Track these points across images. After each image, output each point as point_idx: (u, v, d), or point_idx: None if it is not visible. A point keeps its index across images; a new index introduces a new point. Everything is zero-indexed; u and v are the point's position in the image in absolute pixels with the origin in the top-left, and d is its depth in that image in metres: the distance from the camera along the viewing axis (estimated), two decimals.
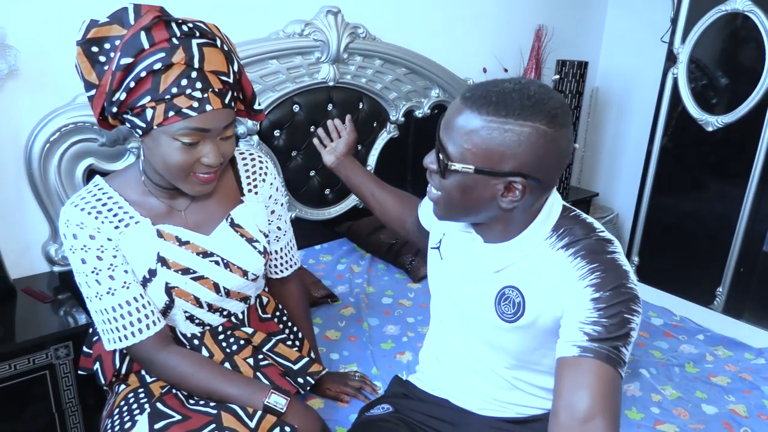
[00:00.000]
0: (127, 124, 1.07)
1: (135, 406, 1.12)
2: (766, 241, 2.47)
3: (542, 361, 1.08)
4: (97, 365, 1.23)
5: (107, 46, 1.03)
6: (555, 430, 0.87)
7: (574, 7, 3.13)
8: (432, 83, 2.51)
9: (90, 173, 1.74)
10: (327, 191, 2.35)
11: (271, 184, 1.32)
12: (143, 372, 1.22)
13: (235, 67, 1.08)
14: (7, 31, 1.51)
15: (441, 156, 0.94)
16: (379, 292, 2.04)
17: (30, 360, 1.48)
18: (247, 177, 1.29)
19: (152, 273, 1.14)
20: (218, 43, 1.05)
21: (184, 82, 0.99)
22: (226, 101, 1.05)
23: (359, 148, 2.38)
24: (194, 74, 1.00)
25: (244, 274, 1.23)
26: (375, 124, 2.40)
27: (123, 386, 1.21)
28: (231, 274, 1.21)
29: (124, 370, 1.22)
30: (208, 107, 1.01)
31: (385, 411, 1.23)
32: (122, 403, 1.15)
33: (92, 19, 1.04)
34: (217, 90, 1.03)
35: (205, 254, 1.18)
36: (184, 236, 1.17)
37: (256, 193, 1.29)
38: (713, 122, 2.51)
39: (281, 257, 1.40)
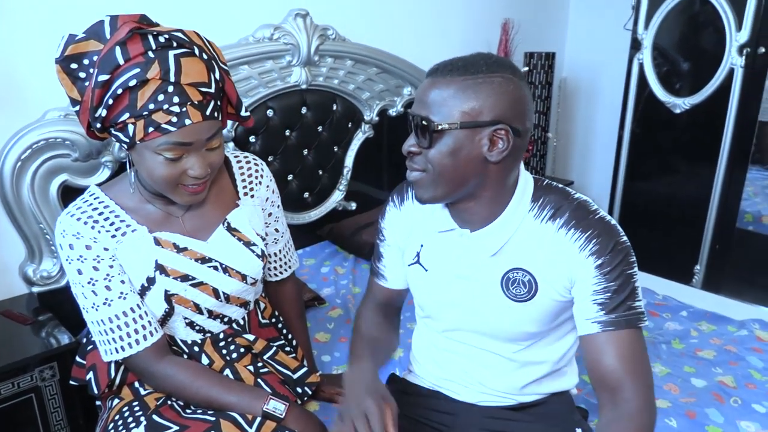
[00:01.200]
0: (114, 139, 1.06)
1: (130, 419, 1.10)
2: (738, 218, 2.54)
3: (555, 333, 1.10)
4: (90, 375, 1.20)
5: (86, 62, 1.02)
6: (603, 413, 0.97)
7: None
8: (404, 81, 2.52)
9: (65, 189, 1.71)
10: (306, 194, 2.33)
11: (267, 186, 1.31)
12: (137, 384, 1.20)
13: (217, 75, 1.05)
14: None
15: (425, 123, 0.96)
16: (365, 291, 2.02)
17: (14, 384, 1.44)
18: (243, 180, 1.28)
19: (151, 281, 1.13)
20: (197, 51, 1.02)
21: (160, 97, 0.98)
22: (207, 113, 1.02)
23: (336, 149, 2.38)
24: (171, 88, 0.98)
25: (243, 278, 1.22)
26: (350, 125, 2.40)
27: (116, 400, 1.18)
28: (230, 279, 1.20)
29: (118, 381, 1.19)
30: (188, 121, 1.00)
31: None
32: (117, 417, 1.12)
33: (70, 35, 1.03)
34: (196, 102, 1.00)
35: (204, 260, 1.17)
36: (182, 243, 1.16)
37: (252, 196, 1.28)
38: (680, 104, 2.57)
39: (280, 259, 1.39)
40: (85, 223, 1.09)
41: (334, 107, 2.32)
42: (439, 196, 1.02)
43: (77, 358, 1.27)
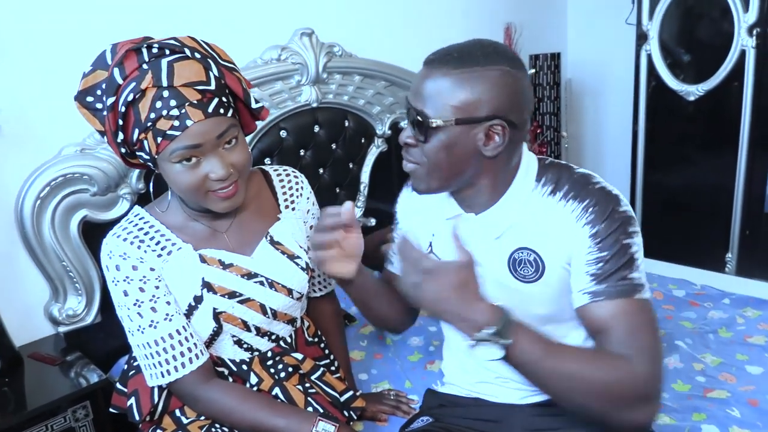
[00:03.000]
0: (141, 160, 1.06)
1: None
2: (766, 202, 2.48)
3: (571, 319, 1.04)
4: (132, 400, 1.17)
5: (98, 92, 1.03)
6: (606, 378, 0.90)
7: (536, 1, 3.16)
8: None
9: (85, 225, 1.68)
10: None
11: (308, 198, 1.30)
12: (178, 413, 1.16)
13: (215, 72, 1.03)
14: None
15: (420, 119, 0.95)
16: None
17: (47, 426, 1.41)
18: (284, 193, 1.26)
19: (198, 299, 1.11)
20: (189, 53, 1.01)
21: (158, 104, 0.97)
22: (210, 110, 1.00)
23: (351, 166, 2.35)
24: (166, 93, 0.97)
25: (289, 292, 1.19)
26: (363, 140, 2.37)
27: (159, 431, 1.14)
28: (276, 294, 1.17)
29: (160, 407, 1.16)
30: (189, 122, 0.98)
31: (426, 422, 1.19)
32: None
33: (84, 72, 1.05)
34: (195, 102, 0.98)
35: (250, 275, 1.15)
36: (227, 259, 1.14)
37: (293, 209, 1.26)
38: (694, 91, 2.54)
39: (320, 274, 1.37)
40: (131, 243, 1.08)
41: (346, 123, 2.30)
42: (434, 188, 1.02)
43: (118, 385, 1.24)
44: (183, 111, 0.97)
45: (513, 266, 1.02)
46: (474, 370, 1.17)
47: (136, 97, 0.97)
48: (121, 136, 1.01)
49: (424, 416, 1.22)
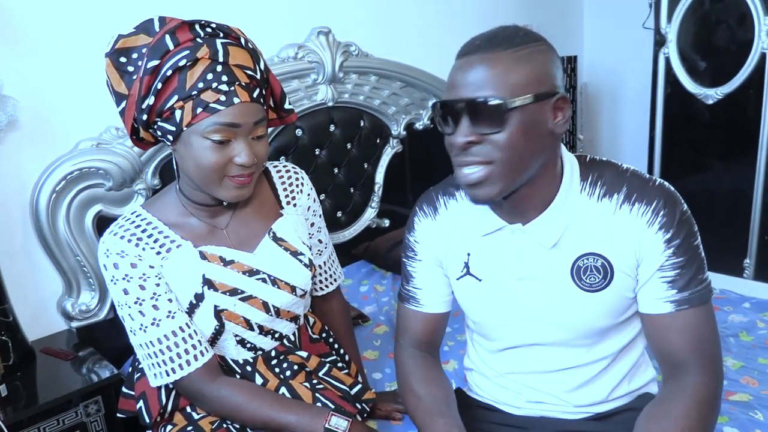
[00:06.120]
0: (159, 133, 1.04)
1: None
2: None
3: (631, 322, 1.03)
4: (140, 404, 1.15)
5: (135, 55, 1.02)
6: (666, 383, 0.95)
7: (552, 4, 3.15)
8: (428, 94, 2.49)
9: (100, 220, 1.68)
10: (339, 213, 2.29)
11: (309, 195, 1.28)
12: (189, 409, 1.15)
13: (262, 66, 1.06)
14: (3, 82, 1.47)
15: (492, 104, 0.85)
16: (395, 330, 1.96)
17: (59, 421, 1.41)
18: (284, 189, 1.25)
19: (199, 297, 1.09)
20: (242, 41, 1.04)
21: (210, 76, 0.98)
22: (254, 95, 1.02)
23: (366, 166, 2.34)
24: (219, 68, 0.98)
25: (292, 290, 1.17)
26: (378, 141, 2.36)
27: (170, 427, 1.13)
28: (279, 291, 1.15)
29: (170, 407, 1.14)
30: (236, 100, 0.99)
31: None
32: None
33: (120, 33, 1.04)
34: (244, 84, 1.00)
35: (252, 272, 1.13)
36: (228, 255, 1.12)
37: (294, 205, 1.25)
38: (712, 95, 2.50)
39: (325, 272, 1.35)
40: (129, 240, 1.06)
41: (362, 123, 2.30)
42: (505, 188, 0.91)
43: (124, 389, 1.23)
44: (232, 89, 0.99)
45: (577, 275, 0.96)
46: (502, 385, 1.13)
47: (188, 64, 0.97)
48: (150, 101, 0.99)
49: None
